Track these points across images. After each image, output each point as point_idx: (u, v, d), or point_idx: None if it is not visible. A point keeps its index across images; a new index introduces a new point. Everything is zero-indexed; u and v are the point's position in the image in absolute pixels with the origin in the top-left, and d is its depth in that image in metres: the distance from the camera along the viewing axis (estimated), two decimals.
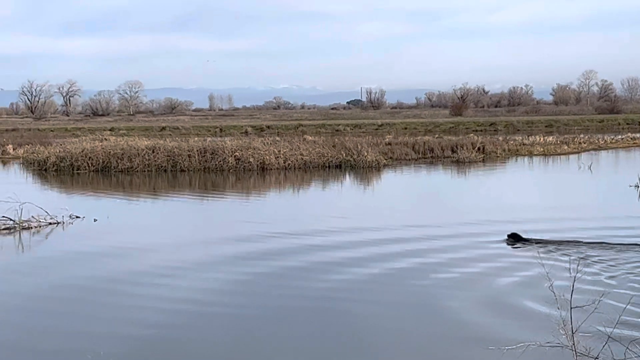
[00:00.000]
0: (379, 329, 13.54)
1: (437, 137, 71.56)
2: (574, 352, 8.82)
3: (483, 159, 56.46)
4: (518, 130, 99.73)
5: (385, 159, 53.29)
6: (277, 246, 21.66)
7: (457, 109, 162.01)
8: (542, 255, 17.84)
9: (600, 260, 18.83)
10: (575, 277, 9.65)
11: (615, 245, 20.67)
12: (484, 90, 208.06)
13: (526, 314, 14.12)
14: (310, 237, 23.11)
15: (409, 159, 57.67)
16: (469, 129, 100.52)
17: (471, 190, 38.77)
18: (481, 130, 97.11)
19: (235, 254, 20.55)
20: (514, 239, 22.07)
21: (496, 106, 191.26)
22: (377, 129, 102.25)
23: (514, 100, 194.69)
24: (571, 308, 8.95)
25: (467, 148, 58.31)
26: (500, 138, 70.26)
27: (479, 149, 59.27)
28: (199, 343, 12.83)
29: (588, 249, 20.31)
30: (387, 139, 67.05)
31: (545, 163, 54.79)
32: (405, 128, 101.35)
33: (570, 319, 8.90)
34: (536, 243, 21.16)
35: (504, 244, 21.41)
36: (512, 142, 66.29)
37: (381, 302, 15.33)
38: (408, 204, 32.80)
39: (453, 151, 59.20)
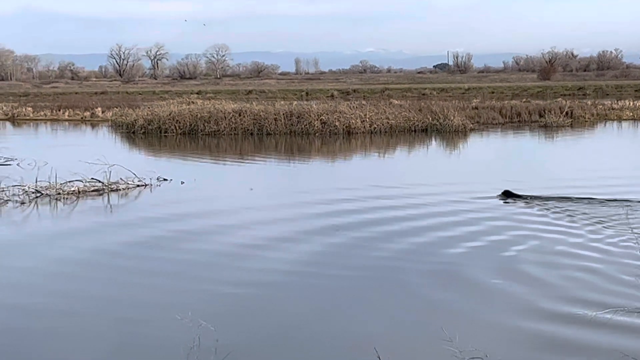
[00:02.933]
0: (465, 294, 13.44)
1: (524, 102, 70.77)
2: None
3: (571, 124, 55.71)
4: (607, 94, 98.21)
5: (472, 123, 52.87)
6: (360, 211, 21.59)
7: (545, 73, 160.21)
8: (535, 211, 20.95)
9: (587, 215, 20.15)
10: None
11: (602, 201, 21.92)
12: (572, 54, 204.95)
13: None
14: (395, 202, 22.99)
15: (496, 124, 57.20)
16: (556, 93, 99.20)
17: (560, 154, 38.25)
18: (569, 95, 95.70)
19: (320, 219, 20.49)
20: (506, 195, 23.36)
21: (585, 70, 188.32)
22: (463, 93, 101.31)
23: (603, 65, 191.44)
24: None
25: (554, 112, 57.63)
26: (589, 102, 69.06)
27: (566, 113, 58.54)
28: (284, 303, 12.83)
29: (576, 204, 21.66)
30: (473, 103, 66.55)
31: (635, 127, 53.82)
32: (492, 92, 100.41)
33: None
34: (527, 199, 22.86)
35: None
36: (600, 106, 65.08)
37: (481, 270, 15.17)
38: (495, 168, 32.42)
39: (540, 115, 58.60)
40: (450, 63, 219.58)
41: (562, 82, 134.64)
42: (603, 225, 18.97)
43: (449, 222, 19.79)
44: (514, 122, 58.52)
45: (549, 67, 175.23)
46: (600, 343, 10.97)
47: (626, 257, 15.64)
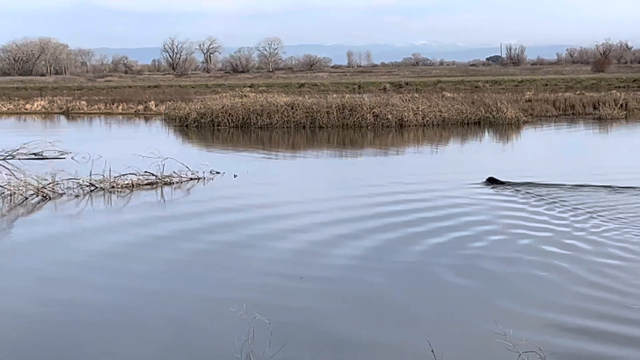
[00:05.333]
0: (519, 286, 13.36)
1: (578, 94, 70.12)
2: None
3: (626, 116, 55.16)
4: None
5: (525, 116, 52.59)
6: (409, 203, 21.56)
7: (599, 65, 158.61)
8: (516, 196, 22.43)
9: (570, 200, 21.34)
10: None
11: (584, 187, 23.44)
12: (627, 46, 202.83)
13: None
14: (444, 195, 22.93)
15: (549, 116, 56.89)
16: (611, 85, 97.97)
17: (615, 147, 37.90)
18: (624, 87, 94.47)
19: (373, 213, 20.47)
20: (491, 182, 24.76)
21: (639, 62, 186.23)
22: (516, 86, 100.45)
23: None
24: None
25: (609, 105, 57.12)
26: None
27: (621, 105, 57.95)
28: (337, 298, 12.83)
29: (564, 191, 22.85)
30: (527, 96, 66.16)
31: None
32: (546, 85, 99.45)
33: None
34: (509, 185, 24.22)
35: None
36: None
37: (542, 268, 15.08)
38: (550, 161, 32.17)
39: (595, 108, 58.19)
40: (503, 55, 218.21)
41: (617, 74, 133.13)
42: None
43: (504, 215, 19.70)
44: (568, 114, 58.13)
45: (603, 59, 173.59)
46: None
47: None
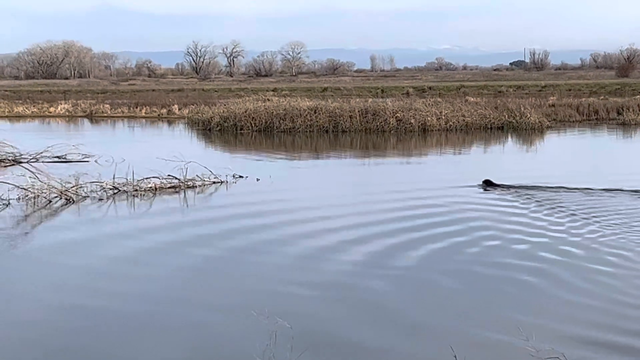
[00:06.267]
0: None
1: (602, 99, 69.86)
2: None
3: None
4: None
5: (549, 121, 52.49)
6: (431, 207, 21.55)
7: (623, 70, 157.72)
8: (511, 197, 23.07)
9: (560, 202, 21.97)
10: None
11: (576, 189, 24.02)
12: None
13: None
14: (463, 200, 22.91)
15: (573, 121, 56.74)
16: (635, 90, 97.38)
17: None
18: None
19: (393, 217, 20.46)
20: (487, 184, 25.35)
21: None
22: (540, 91, 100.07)
23: None
24: None
25: (633, 110, 56.86)
26: None
27: None
28: (359, 304, 12.81)
29: (552, 193, 23.57)
30: (550, 101, 65.99)
31: None
32: (569, 89, 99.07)
33: None
34: (505, 188, 24.78)
35: None
36: None
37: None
38: (566, 165, 32.07)
39: (619, 113, 57.95)
40: (527, 60, 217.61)
41: None
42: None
43: (527, 219, 19.65)
44: (592, 119, 57.93)
45: (628, 64, 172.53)
46: None
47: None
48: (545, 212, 20.73)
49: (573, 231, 18.23)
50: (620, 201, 22.17)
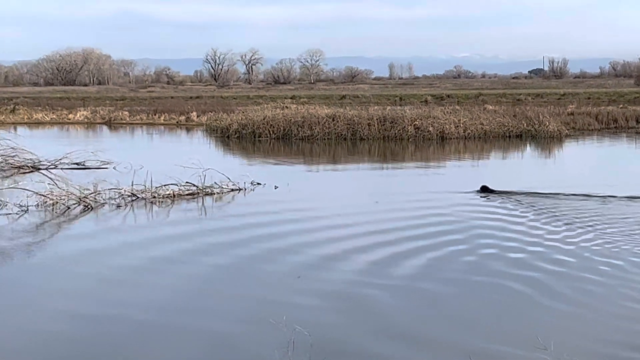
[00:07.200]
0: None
1: (621, 107, 69.68)
2: None
3: None
4: None
5: (567, 129, 52.35)
6: (452, 216, 21.51)
7: None
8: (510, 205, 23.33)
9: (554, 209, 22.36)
10: None
11: (568, 196, 24.47)
12: None
13: None
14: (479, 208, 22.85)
15: (592, 130, 56.61)
16: None
17: None
18: None
19: (411, 225, 20.44)
20: (484, 191, 25.81)
21: None
22: (559, 99, 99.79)
23: None
24: None
25: None
26: None
27: None
28: (376, 311, 12.78)
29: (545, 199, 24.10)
30: (569, 109, 65.83)
31: None
32: (589, 98, 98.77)
33: None
34: (502, 194, 25.23)
35: None
36: None
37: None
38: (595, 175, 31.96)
39: (637, 122, 58.12)
40: (546, 68, 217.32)
41: None
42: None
43: (556, 225, 19.58)
44: (610, 128, 57.80)
45: None
46: None
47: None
48: (544, 220, 20.91)
49: (568, 240, 18.27)
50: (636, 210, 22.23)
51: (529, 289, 14.04)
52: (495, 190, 25.73)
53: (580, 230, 19.24)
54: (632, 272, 15.14)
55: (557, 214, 21.56)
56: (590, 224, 20.02)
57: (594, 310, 12.84)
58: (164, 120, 70.75)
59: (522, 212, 22.08)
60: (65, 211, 22.96)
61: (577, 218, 20.85)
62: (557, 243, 17.86)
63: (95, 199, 24.07)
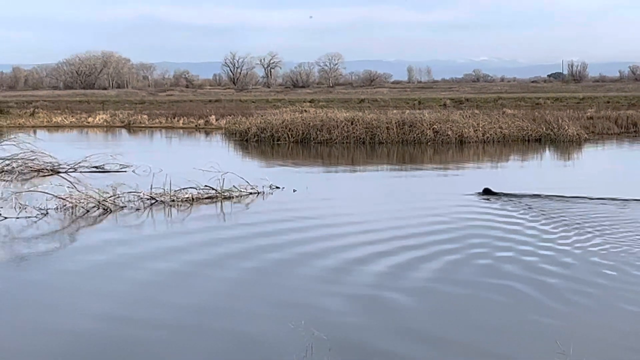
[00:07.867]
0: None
1: None
2: None
3: None
4: None
5: (587, 133, 52.21)
6: (464, 220, 21.48)
7: None
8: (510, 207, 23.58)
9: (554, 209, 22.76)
10: None
11: (569, 198, 24.64)
12: None
13: None
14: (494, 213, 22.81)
15: (611, 134, 56.40)
16: None
17: None
18: None
19: (430, 230, 20.42)
20: (486, 193, 26.03)
21: None
22: (578, 103, 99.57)
23: None
24: None
25: None
26: None
27: None
28: (395, 317, 12.76)
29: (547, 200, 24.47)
30: (588, 113, 65.62)
31: None
32: (608, 102, 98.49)
33: None
34: (503, 196, 25.49)
35: None
36: None
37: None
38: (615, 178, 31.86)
39: None
40: (565, 72, 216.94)
41: None
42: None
43: (576, 229, 19.54)
44: (630, 132, 57.61)
45: None
46: None
47: None
48: (544, 221, 21.09)
49: (577, 244, 18.16)
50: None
51: (545, 293, 13.99)
52: (496, 193, 25.93)
53: (589, 235, 19.13)
54: None
55: (565, 217, 21.58)
56: (598, 228, 19.95)
57: (614, 315, 12.78)
58: (182, 123, 70.90)
59: (532, 216, 21.95)
60: (84, 214, 23.04)
61: (586, 222, 20.79)
62: (567, 247, 17.77)
63: (114, 202, 24.14)
